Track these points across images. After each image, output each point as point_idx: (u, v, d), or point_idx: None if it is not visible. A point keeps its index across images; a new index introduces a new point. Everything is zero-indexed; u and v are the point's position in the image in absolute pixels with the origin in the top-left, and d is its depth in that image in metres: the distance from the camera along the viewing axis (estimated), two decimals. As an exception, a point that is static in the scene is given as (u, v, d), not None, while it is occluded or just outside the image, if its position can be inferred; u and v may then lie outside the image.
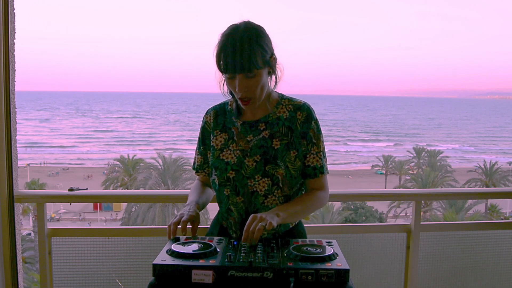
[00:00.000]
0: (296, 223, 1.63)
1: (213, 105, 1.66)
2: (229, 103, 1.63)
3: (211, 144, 1.60)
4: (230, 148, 1.55)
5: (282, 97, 1.59)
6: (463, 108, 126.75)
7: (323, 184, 1.58)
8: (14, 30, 1.96)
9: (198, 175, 1.71)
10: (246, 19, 1.46)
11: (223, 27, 1.45)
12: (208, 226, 1.78)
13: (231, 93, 1.56)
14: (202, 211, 1.62)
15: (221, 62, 1.41)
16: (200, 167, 1.67)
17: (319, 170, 1.55)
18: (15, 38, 1.97)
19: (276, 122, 1.54)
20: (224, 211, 1.58)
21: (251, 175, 1.51)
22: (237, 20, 1.46)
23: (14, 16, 1.96)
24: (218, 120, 1.61)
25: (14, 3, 1.95)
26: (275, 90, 1.58)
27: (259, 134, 1.54)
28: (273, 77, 1.53)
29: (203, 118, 1.65)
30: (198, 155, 1.67)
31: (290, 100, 1.57)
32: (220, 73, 1.48)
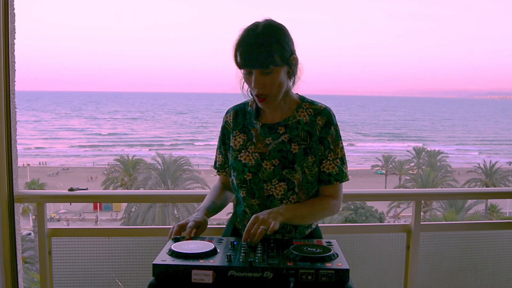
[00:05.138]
0: (313, 229, 1.61)
1: (233, 105, 1.65)
2: (249, 103, 1.61)
3: (230, 144, 1.59)
4: (248, 149, 1.54)
5: (303, 99, 1.55)
6: (464, 108, 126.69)
7: (337, 192, 1.54)
8: (14, 30, 1.96)
9: (219, 175, 1.69)
10: (268, 18, 1.45)
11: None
12: (213, 226, 1.79)
13: (251, 93, 1.53)
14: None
15: (238, 57, 1.40)
16: (222, 166, 1.65)
17: (335, 177, 1.51)
18: (15, 38, 1.97)
19: (295, 126, 1.52)
20: (241, 212, 1.57)
21: (268, 178, 1.50)
22: (258, 18, 1.44)
23: (14, 16, 1.96)
24: (238, 120, 1.60)
25: (14, 3, 1.95)
26: (294, 91, 1.55)
27: (279, 138, 1.52)
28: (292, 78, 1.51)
29: (224, 118, 1.64)
30: (219, 154, 1.66)
31: (311, 103, 1.54)
32: (240, 72, 1.48)
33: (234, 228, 1.63)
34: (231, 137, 1.60)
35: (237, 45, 1.41)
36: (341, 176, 1.52)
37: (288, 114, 1.53)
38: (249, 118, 1.58)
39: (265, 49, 1.38)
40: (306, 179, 1.49)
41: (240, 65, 1.42)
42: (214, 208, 1.57)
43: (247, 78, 1.44)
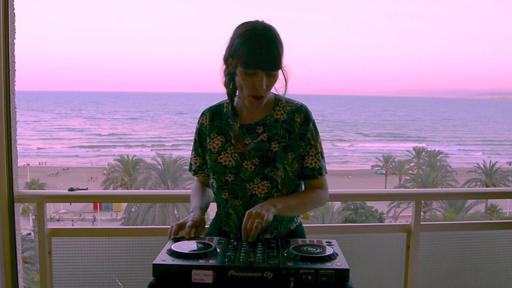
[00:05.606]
0: (297, 224, 1.63)
1: (208, 106, 1.64)
2: (224, 104, 1.60)
3: (208, 147, 1.58)
4: (227, 151, 1.54)
5: (278, 98, 1.57)
6: (464, 108, 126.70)
7: (323, 183, 1.58)
8: (14, 30, 1.96)
9: (197, 176, 1.70)
10: (259, 19, 1.45)
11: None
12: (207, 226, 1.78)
13: (229, 93, 1.52)
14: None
15: (250, 58, 1.39)
16: (199, 168, 1.65)
17: (318, 172, 1.55)
18: (15, 38, 1.97)
19: (274, 125, 1.53)
20: (223, 214, 1.58)
21: (250, 178, 1.51)
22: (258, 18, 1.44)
23: (14, 16, 1.96)
24: (214, 122, 1.59)
25: (14, 3, 1.95)
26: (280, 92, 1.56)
27: (257, 137, 1.52)
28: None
29: (199, 120, 1.63)
30: (195, 156, 1.65)
31: (287, 101, 1.56)
32: (223, 71, 1.48)
33: (220, 231, 1.63)
34: (208, 140, 1.59)
35: (249, 46, 1.39)
36: (323, 170, 1.56)
37: (265, 113, 1.54)
38: (226, 120, 1.58)
39: (277, 51, 1.40)
40: (288, 176, 1.51)
41: (250, 66, 1.40)
42: (205, 207, 1.60)
43: (247, 78, 1.42)
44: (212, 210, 1.75)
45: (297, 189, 1.58)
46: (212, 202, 1.72)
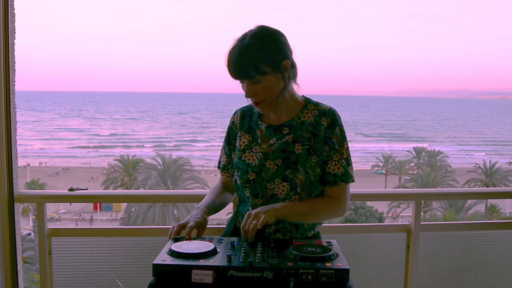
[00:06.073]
0: (315, 232, 1.60)
1: (241, 106, 1.68)
2: None
3: (236, 144, 1.62)
4: (252, 150, 1.56)
5: (308, 101, 1.57)
6: (465, 108, 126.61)
7: (342, 193, 1.52)
8: (14, 30, 1.96)
9: (222, 175, 1.71)
10: (261, 24, 1.48)
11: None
12: (213, 226, 1.79)
13: None
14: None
15: (227, 68, 1.45)
16: (225, 166, 1.68)
17: (340, 178, 1.50)
18: (15, 38, 1.97)
19: (300, 127, 1.53)
20: (245, 211, 1.56)
21: (271, 178, 1.51)
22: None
23: (14, 16, 1.96)
24: (244, 121, 1.63)
25: (14, 3, 1.95)
26: (297, 92, 1.57)
27: (283, 138, 1.53)
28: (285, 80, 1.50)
29: (231, 119, 1.67)
30: (223, 154, 1.69)
31: (316, 105, 1.56)
32: None
33: (235, 227, 1.64)
34: (236, 138, 1.62)
35: (226, 57, 1.44)
36: (347, 176, 1.51)
37: (292, 115, 1.55)
38: (255, 120, 1.60)
39: (250, 60, 1.41)
40: (309, 180, 1.50)
41: (229, 74, 1.46)
42: (214, 207, 1.58)
43: (241, 86, 1.49)
44: (226, 209, 1.75)
45: (320, 195, 1.55)
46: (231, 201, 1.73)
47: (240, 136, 1.61)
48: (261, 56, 1.41)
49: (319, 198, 1.54)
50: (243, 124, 1.62)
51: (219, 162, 1.71)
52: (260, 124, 1.58)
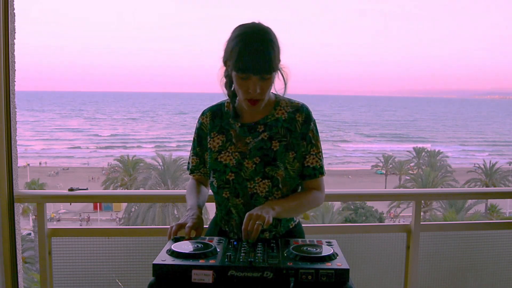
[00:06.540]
0: (296, 223, 1.64)
1: (208, 106, 1.64)
2: (225, 104, 1.61)
3: (208, 146, 1.59)
4: (228, 150, 1.55)
5: (279, 98, 1.57)
6: (465, 108, 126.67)
7: (320, 184, 1.58)
8: (14, 30, 1.96)
9: (194, 176, 1.69)
10: (257, 20, 1.45)
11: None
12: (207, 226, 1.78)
13: (230, 95, 1.53)
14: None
15: (241, 62, 1.39)
16: (196, 167, 1.65)
17: (319, 171, 1.56)
18: (15, 38, 1.97)
19: (275, 124, 1.54)
20: (224, 214, 1.58)
21: (250, 177, 1.51)
22: (259, 17, 1.46)
23: (14, 16, 1.96)
24: (215, 121, 1.59)
25: (14, 3, 1.95)
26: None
27: (258, 136, 1.53)
28: (277, 79, 1.51)
29: (199, 119, 1.63)
30: (193, 156, 1.65)
31: (288, 101, 1.57)
32: (223, 73, 1.49)
33: (220, 231, 1.62)
34: (208, 139, 1.59)
35: (240, 49, 1.39)
36: (323, 169, 1.58)
37: (266, 112, 1.55)
38: (226, 119, 1.58)
39: (269, 55, 1.39)
40: (289, 175, 1.52)
41: (241, 70, 1.40)
42: (202, 205, 1.60)
43: (242, 82, 1.43)
44: (211, 210, 1.75)
45: (297, 189, 1.58)
46: (211, 202, 1.72)
47: (212, 137, 1.58)
48: (275, 51, 1.41)
49: (302, 192, 1.58)
50: (214, 125, 1.59)
51: (188, 164, 1.68)
52: (233, 123, 1.56)
